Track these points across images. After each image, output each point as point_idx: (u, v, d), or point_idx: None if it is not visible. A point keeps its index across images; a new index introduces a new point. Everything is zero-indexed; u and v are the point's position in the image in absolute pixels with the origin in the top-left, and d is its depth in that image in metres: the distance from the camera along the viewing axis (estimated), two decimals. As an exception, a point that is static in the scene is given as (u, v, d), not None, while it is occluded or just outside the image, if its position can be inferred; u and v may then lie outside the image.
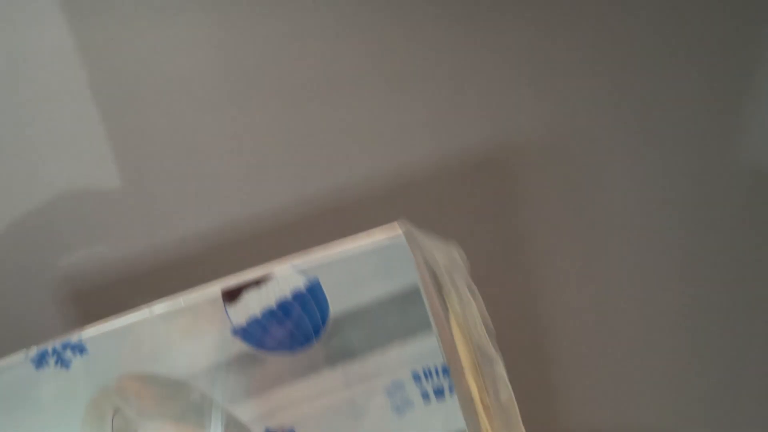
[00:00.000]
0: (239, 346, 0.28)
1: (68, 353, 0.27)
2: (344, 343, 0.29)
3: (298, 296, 0.27)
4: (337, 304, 0.28)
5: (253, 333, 0.28)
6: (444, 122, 0.36)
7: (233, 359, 0.28)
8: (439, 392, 0.29)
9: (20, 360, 0.27)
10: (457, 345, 0.29)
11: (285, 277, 0.27)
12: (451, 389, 0.29)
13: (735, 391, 0.39)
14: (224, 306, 0.27)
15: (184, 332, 0.28)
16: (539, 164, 0.36)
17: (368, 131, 0.36)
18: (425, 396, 0.29)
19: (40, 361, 0.27)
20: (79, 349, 0.27)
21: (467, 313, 0.28)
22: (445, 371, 0.29)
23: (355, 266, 0.27)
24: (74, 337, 0.27)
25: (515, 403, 0.29)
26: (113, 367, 0.28)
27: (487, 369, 0.29)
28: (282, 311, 0.28)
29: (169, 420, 0.29)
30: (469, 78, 0.36)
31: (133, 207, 0.36)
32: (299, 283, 0.27)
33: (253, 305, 0.27)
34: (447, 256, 0.28)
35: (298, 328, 0.28)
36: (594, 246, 0.38)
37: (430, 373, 0.29)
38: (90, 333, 0.27)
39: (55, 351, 0.27)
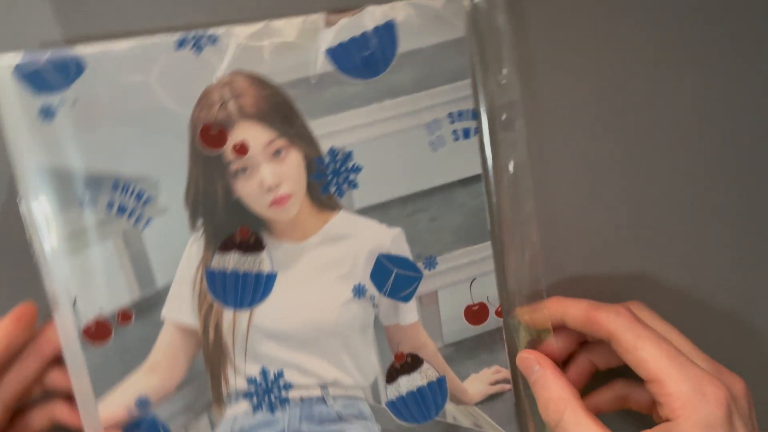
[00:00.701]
0: (327, 65, 0.37)
1: (204, 41, 0.36)
2: (402, 79, 0.38)
3: (377, 30, 0.37)
4: (404, 44, 0.38)
5: (340, 55, 0.37)
6: None
7: (320, 77, 0.37)
8: (466, 133, 0.39)
9: (165, 39, 0.36)
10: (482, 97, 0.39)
11: (371, 13, 0.37)
12: (475, 131, 0.39)
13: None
14: (324, 27, 0.37)
15: (289, 46, 0.37)
16: None
17: None
18: (455, 134, 0.39)
19: (180, 43, 0.36)
20: (213, 39, 0.36)
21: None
22: (474, 114, 0.39)
23: (423, 15, 0.38)
24: (210, 30, 0.36)
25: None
26: (232, 62, 0.36)
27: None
28: (364, 41, 0.37)
29: (261, 121, 0.37)
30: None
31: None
32: (380, 20, 0.37)
33: (343, 32, 0.37)
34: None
35: (373, 58, 0.38)
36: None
37: (462, 115, 0.39)
38: (223, 29, 0.36)
39: (194, 38, 0.36)
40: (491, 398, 0.41)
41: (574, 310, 0.37)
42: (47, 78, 0.35)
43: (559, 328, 0.38)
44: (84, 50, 0.35)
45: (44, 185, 0.35)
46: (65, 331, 0.36)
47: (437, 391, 0.40)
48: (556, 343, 0.38)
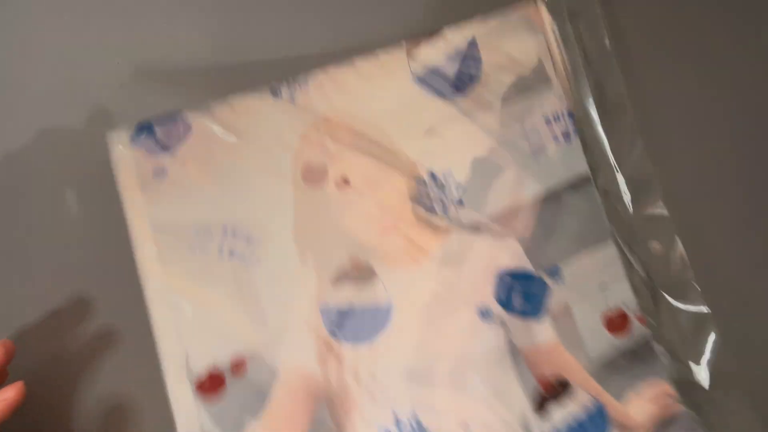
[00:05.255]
0: (416, 91, 0.38)
1: (295, 86, 0.38)
2: (492, 91, 0.39)
3: (459, 50, 0.39)
4: (487, 57, 0.39)
5: (430, 81, 0.39)
6: None
7: (411, 103, 0.38)
8: (566, 135, 0.38)
9: (262, 90, 0.38)
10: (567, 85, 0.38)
11: (451, 37, 0.39)
12: (575, 132, 0.38)
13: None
14: (407, 59, 0.39)
15: (376, 83, 0.39)
16: None
17: None
18: (555, 139, 0.38)
19: (275, 92, 0.38)
20: (303, 84, 0.38)
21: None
22: (570, 115, 0.38)
23: (501, 27, 0.39)
24: (302, 77, 0.38)
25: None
26: (325, 102, 0.38)
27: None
28: (448, 63, 0.39)
29: (359, 153, 0.38)
30: None
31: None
32: (461, 40, 0.39)
33: (427, 58, 0.39)
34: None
35: (460, 77, 0.39)
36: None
37: (558, 117, 0.38)
38: (312, 73, 0.38)
39: (287, 85, 0.38)
40: (667, 424, 0.35)
41: None
42: (159, 141, 0.37)
43: None
44: (190, 114, 0.38)
45: (157, 237, 0.36)
46: (177, 390, 0.34)
47: (598, 420, 0.35)
48: None
